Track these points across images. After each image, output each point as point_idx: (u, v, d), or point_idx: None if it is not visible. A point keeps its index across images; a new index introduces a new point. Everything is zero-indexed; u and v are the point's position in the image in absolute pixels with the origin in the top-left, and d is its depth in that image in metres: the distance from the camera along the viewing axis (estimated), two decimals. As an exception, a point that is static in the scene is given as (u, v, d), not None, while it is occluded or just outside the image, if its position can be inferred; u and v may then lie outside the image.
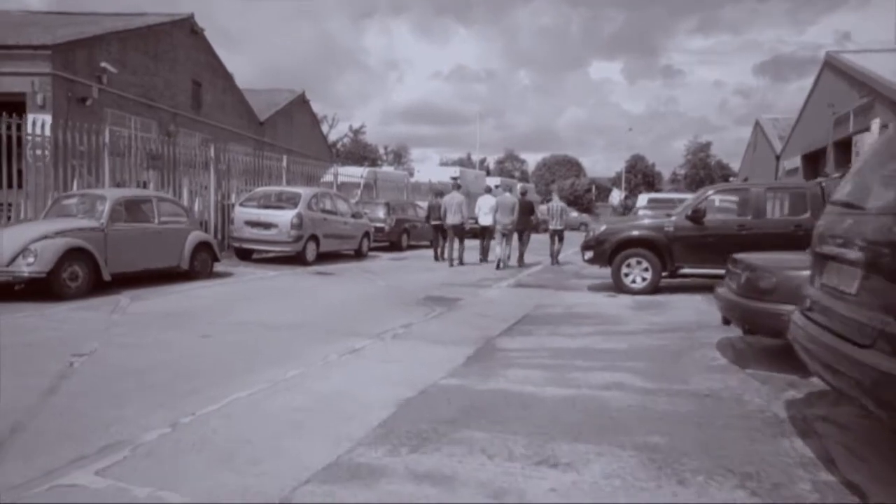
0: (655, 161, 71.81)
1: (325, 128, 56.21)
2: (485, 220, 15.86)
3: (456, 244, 15.32)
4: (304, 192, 14.32)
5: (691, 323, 7.81)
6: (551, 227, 16.57)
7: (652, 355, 6.05)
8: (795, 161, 27.63)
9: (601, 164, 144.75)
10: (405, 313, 8.33)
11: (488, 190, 16.94)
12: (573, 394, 4.72)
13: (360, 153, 57.80)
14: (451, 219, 15.14)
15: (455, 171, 33.89)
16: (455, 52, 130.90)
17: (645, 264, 10.30)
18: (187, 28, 25.55)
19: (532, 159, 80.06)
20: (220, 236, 14.68)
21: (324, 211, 14.76)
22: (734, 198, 10.66)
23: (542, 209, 20.69)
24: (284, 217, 13.51)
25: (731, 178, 52.97)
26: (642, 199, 22.53)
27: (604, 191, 70.02)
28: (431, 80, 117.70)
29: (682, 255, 10.20)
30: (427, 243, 21.41)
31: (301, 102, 40.86)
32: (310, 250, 13.89)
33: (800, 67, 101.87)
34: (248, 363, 5.50)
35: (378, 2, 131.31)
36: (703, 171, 56.72)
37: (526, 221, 15.70)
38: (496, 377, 5.21)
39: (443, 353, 6.05)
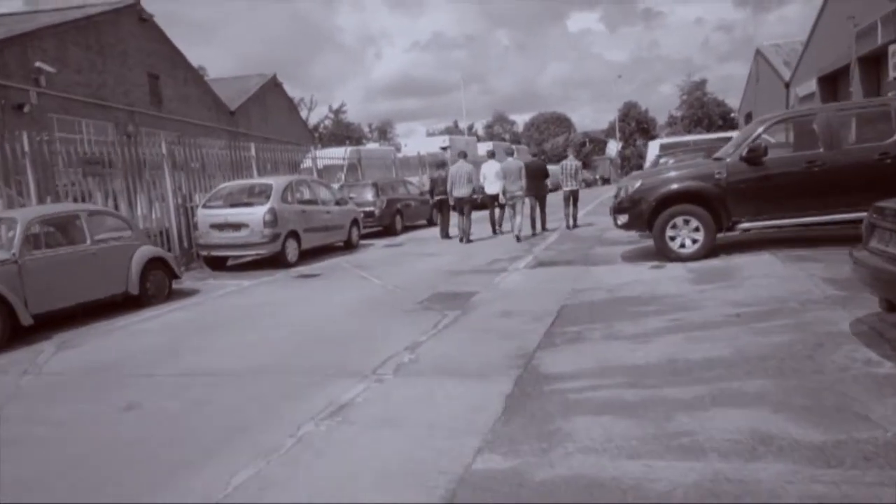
0: (647, 107, 69.38)
1: (304, 112, 53.83)
2: (491, 188, 14.14)
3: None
4: (276, 182, 12.30)
5: (786, 298, 5.88)
6: (565, 188, 15.10)
7: (774, 365, 4.15)
8: (810, 86, 25.52)
9: (589, 117, 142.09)
10: (409, 324, 6.44)
11: (492, 155, 15.09)
12: (704, 474, 2.82)
13: (343, 133, 55.38)
14: (459, 191, 13.64)
15: (444, 140, 31.92)
16: (431, 20, 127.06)
17: (694, 223, 8.35)
18: (134, 16, 23.24)
19: (520, 120, 77.33)
20: (186, 245, 12.72)
21: (302, 202, 12.76)
22: (797, 127, 8.66)
23: (553, 169, 18.99)
24: (255, 214, 11.52)
25: (732, 115, 50.77)
26: (653, 146, 20.49)
27: (599, 143, 67.72)
28: (410, 52, 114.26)
29: (739, 207, 8.24)
30: (424, 222, 19.54)
31: (273, 86, 38.51)
32: (290, 249, 11.93)
33: None
34: (176, 461, 3.59)
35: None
36: (700, 110, 54.31)
37: (540, 186, 14.43)
38: (561, 442, 3.32)
39: (468, 397, 4.16)
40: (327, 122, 60.40)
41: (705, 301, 6.15)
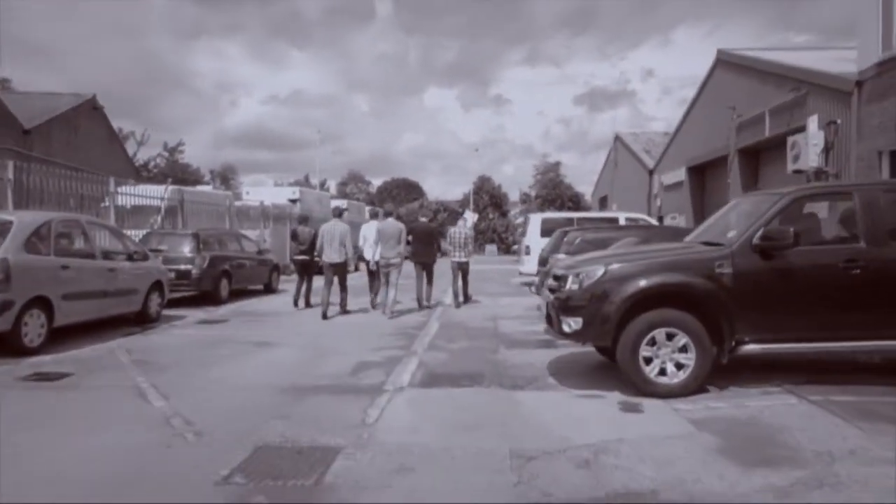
0: (500, 183, 70.25)
1: (132, 147, 47.06)
2: (371, 252, 12.15)
3: (335, 287, 11.40)
4: (21, 220, 7.84)
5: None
6: (453, 259, 12.75)
7: None
8: (678, 175, 25.15)
9: (438, 188, 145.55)
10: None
11: (374, 215, 13.06)
12: None
13: (178, 175, 48.92)
14: (331, 255, 11.21)
15: (294, 191, 28.00)
16: (293, 76, 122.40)
17: (682, 338, 5.42)
18: None
19: (374, 182, 75.28)
20: None
21: (67, 252, 8.38)
22: (825, 210, 6.17)
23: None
24: (-31, 269, 7.00)
25: (587, 198, 51.77)
26: (535, 219, 18.20)
27: (453, 213, 66.88)
28: (267, 105, 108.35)
29: (747, 319, 5.45)
30: (261, 287, 15.46)
31: (91, 110, 32.49)
32: (31, 327, 7.45)
33: (612, 99, 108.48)
34: None
35: (206, 23, 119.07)
36: (553, 191, 55.07)
37: (428, 253, 12.35)
38: None
39: None
40: (160, 161, 53.52)
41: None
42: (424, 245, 12.26)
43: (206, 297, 12.85)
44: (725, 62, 20.42)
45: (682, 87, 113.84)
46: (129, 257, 9.67)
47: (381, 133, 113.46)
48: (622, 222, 17.68)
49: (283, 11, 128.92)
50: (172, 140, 55.36)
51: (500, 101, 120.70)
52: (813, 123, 14.53)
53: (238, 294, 14.15)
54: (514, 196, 71.54)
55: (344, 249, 11.10)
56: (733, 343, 5.49)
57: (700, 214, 23.65)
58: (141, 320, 9.95)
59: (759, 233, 5.46)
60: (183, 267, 12.27)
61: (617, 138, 36.99)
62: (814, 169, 14.17)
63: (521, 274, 18.35)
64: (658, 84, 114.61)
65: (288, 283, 17.23)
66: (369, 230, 12.15)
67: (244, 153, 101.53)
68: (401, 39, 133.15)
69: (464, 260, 12.53)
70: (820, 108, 14.53)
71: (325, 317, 10.78)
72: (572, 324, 5.62)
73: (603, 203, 40.56)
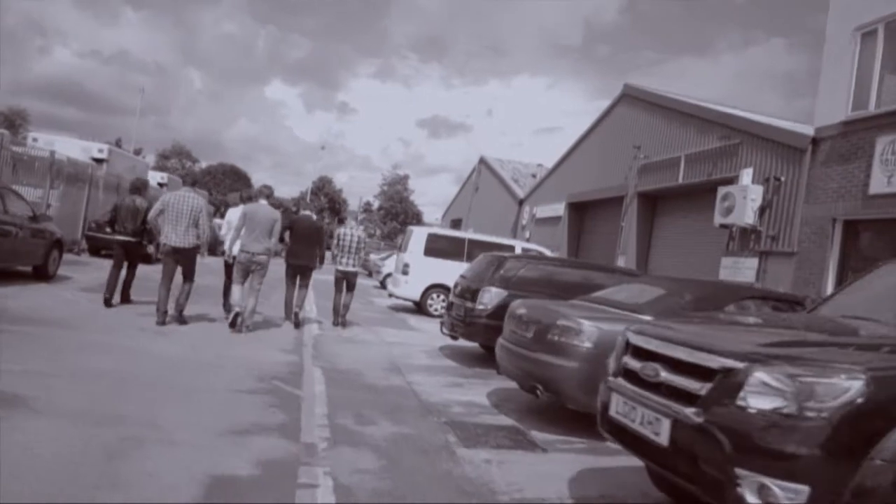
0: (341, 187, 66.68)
1: None
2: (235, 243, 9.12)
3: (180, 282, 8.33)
4: None
5: None
6: (338, 266, 10.17)
7: None
8: (556, 209, 23.42)
9: (267, 182, 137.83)
10: None
11: (249, 198, 9.48)
12: None
13: (-57, 107, 38.54)
14: (177, 237, 8.10)
15: (101, 149, 22.14)
16: (122, 34, 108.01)
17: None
18: None
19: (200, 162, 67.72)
20: None
21: None
22: None
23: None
24: None
25: (436, 218, 49.73)
26: (420, 232, 14.99)
27: (286, 212, 61.79)
28: (86, 59, 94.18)
29: None
30: (29, 269, 10.50)
31: None
32: None
33: (452, 129, 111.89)
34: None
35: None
36: (399, 204, 52.38)
37: (310, 255, 9.68)
38: None
39: None
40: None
41: None
42: (307, 245, 9.60)
43: (-77, 275, 7.89)
44: (633, 97, 18.98)
45: (515, 131, 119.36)
46: None
47: (213, 115, 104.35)
48: (518, 251, 15.15)
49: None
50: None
51: (346, 109, 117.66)
52: (747, 177, 13.08)
53: (-13, 276, 9.19)
54: (352, 204, 68.31)
55: (196, 231, 8.12)
56: None
57: (575, 253, 22.11)
58: None
59: None
60: None
61: (482, 161, 35.18)
62: (748, 226, 12.66)
63: (392, 296, 15.02)
64: (495, 123, 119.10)
65: (73, 268, 12.25)
66: (235, 215, 9.02)
67: (46, 106, 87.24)
68: (250, 25, 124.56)
69: (352, 269, 9.65)
70: (756, 161, 13.12)
71: (160, 322, 7.90)
72: (781, 496, 2.43)
73: (455, 226, 38.55)
